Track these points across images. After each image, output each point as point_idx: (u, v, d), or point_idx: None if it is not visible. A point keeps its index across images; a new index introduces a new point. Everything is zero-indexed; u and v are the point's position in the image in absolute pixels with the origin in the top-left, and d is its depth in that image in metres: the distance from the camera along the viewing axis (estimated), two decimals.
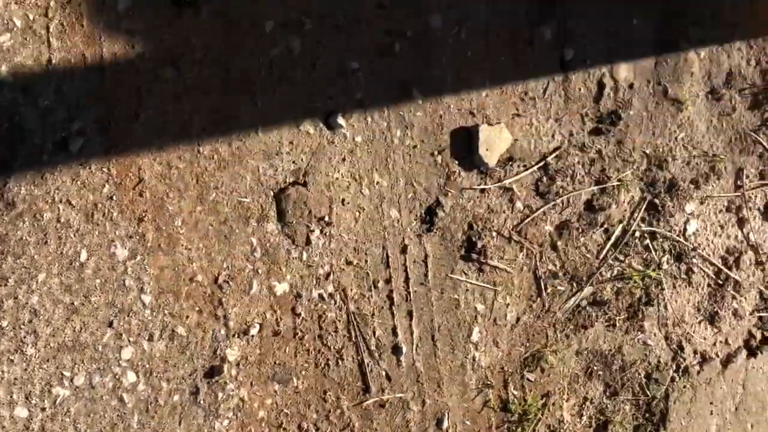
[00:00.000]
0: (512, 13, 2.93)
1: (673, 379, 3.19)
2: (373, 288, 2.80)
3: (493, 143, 2.88)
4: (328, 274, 2.75)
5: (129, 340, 2.53)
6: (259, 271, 2.67)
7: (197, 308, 2.60)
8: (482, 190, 2.91)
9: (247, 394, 2.66)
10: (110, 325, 2.51)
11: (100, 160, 2.50)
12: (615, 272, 3.07)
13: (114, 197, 2.51)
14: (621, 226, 3.08)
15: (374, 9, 2.78)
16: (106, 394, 2.49)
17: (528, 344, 3.00)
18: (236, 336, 2.64)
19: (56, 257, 2.44)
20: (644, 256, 3.11)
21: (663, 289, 3.13)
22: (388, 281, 2.82)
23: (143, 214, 2.54)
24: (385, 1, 2.79)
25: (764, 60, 3.21)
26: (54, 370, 2.43)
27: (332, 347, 2.76)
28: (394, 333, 2.83)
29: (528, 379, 2.99)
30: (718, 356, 3.26)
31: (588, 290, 3.05)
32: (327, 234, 2.74)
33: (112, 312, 2.51)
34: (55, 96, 2.44)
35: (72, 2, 2.46)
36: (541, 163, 2.97)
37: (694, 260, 3.16)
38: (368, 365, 2.79)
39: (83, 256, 2.48)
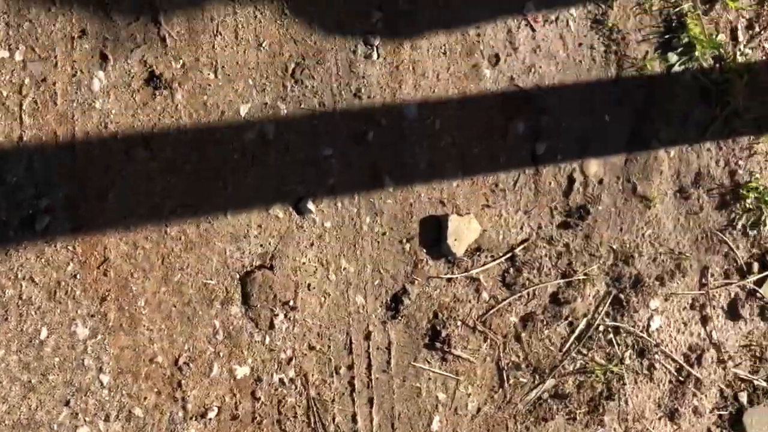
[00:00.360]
0: (487, 106, 2.94)
1: None
2: (334, 374, 2.78)
3: (462, 233, 2.88)
4: (290, 359, 2.73)
5: (85, 420, 2.50)
6: (221, 353, 2.65)
7: (156, 389, 2.58)
8: (449, 280, 2.91)
9: None
10: (67, 404, 2.48)
11: (66, 238, 2.48)
12: (577, 365, 3.07)
13: (78, 276, 2.49)
14: (585, 319, 3.07)
15: (350, 97, 2.79)
16: None
17: None
18: (194, 419, 2.62)
19: (16, 334, 2.42)
20: (607, 351, 3.11)
21: (624, 384, 3.12)
22: (350, 367, 2.80)
23: (106, 294, 2.52)
24: (362, 89, 2.80)
25: (733, 161, 3.24)
26: None
27: None
28: (354, 420, 2.81)
29: None
30: None
31: (550, 383, 3.04)
32: (291, 318, 2.73)
33: (70, 391, 2.49)
34: (24, 173, 2.43)
35: (47, 80, 2.46)
36: (509, 255, 2.98)
37: (657, 356, 3.16)
38: None
39: (43, 334, 2.45)
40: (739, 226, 3.28)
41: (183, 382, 2.61)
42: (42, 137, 2.46)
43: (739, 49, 3.25)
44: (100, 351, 2.52)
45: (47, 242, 2.47)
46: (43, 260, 2.46)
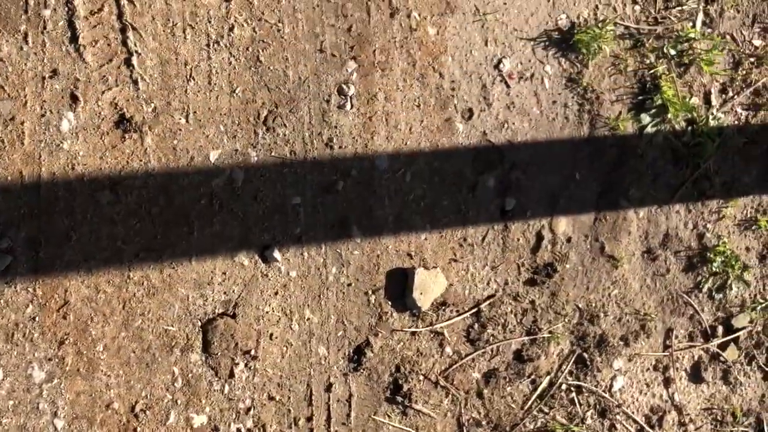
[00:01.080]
0: (458, 160, 2.96)
1: None
2: (293, 425, 2.77)
3: (428, 287, 2.89)
4: (249, 409, 2.72)
5: None
6: (178, 401, 2.63)
7: None
8: (413, 333, 2.91)
9: None
10: None
11: (26, 279, 2.46)
12: (539, 424, 3.07)
13: (37, 318, 2.47)
14: (548, 378, 3.08)
15: (322, 147, 2.79)
16: None
17: None
18: None
19: None
20: (569, 410, 3.12)
21: None
22: (309, 419, 2.79)
23: (65, 337, 2.50)
24: (334, 139, 2.80)
25: (701, 224, 3.27)
26: None
27: None
28: None
29: None
30: None
31: None
32: (252, 368, 2.72)
33: None
34: None
35: (15, 119, 2.45)
36: (474, 310, 2.98)
37: (618, 417, 3.17)
38: None
39: None
40: (705, 289, 3.30)
41: (139, 429, 2.59)
42: (7, 176, 2.45)
43: (712, 113, 3.28)
44: (56, 395, 2.49)
45: (7, 283, 2.45)
46: (1, 301, 2.44)
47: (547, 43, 3.08)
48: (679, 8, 3.25)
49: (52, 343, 2.49)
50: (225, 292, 2.69)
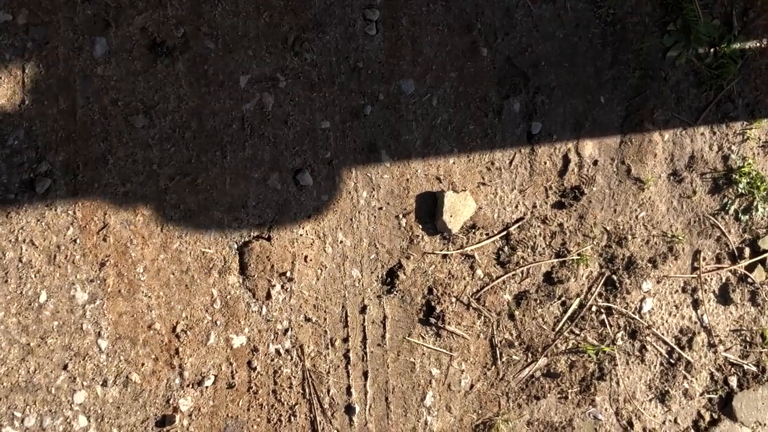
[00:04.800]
0: (483, 84, 3.08)
1: None
2: (330, 346, 2.91)
3: (458, 210, 3.02)
4: (287, 330, 2.86)
5: (83, 384, 2.61)
6: (218, 322, 2.77)
7: (153, 356, 2.69)
8: (444, 256, 3.05)
9: None
10: (65, 368, 2.59)
11: (66, 202, 2.59)
12: (570, 345, 3.21)
13: (78, 240, 2.60)
14: (578, 299, 3.22)
15: (349, 71, 2.92)
16: None
17: (480, 411, 3.11)
18: (190, 386, 2.73)
19: (15, 297, 2.53)
20: (599, 331, 3.25)
21: (616, 364, 3.27)
22: (345, 340, 2.93)
23: (106, 259, 2.64)
24: (360, 64, 2.93)
25: (726, 146, 3.40)
26: (5, 410, 2.50)
27: (285, 403, 2.86)
28: (348, 392, 2.93)
29: None
30: None
31: (542, 361, 3.18)
32: (288, 290, 2.85)
33: (68, 355, 2.60)
34: (24, 136, 2.54)
35: (49, 45, 2.58)
36: (504, 233, 3.11)
37: (648, 338, 3.31)
38: (320, 423, 2.89)
39: (42, 297, 2.56)
40: (731, 211, 3.43)
41: (180, 349, 2.72)
42: (43, 101, 2.58)
43: (734, 35, 3.41)
44: (98, 316, 2.63)
45: (47, 206, 2.58)
46: (43, 224, 2.57)
47: None
48: None
49: (94, 264, 2.62)
50: (259, 216, 2.82)
